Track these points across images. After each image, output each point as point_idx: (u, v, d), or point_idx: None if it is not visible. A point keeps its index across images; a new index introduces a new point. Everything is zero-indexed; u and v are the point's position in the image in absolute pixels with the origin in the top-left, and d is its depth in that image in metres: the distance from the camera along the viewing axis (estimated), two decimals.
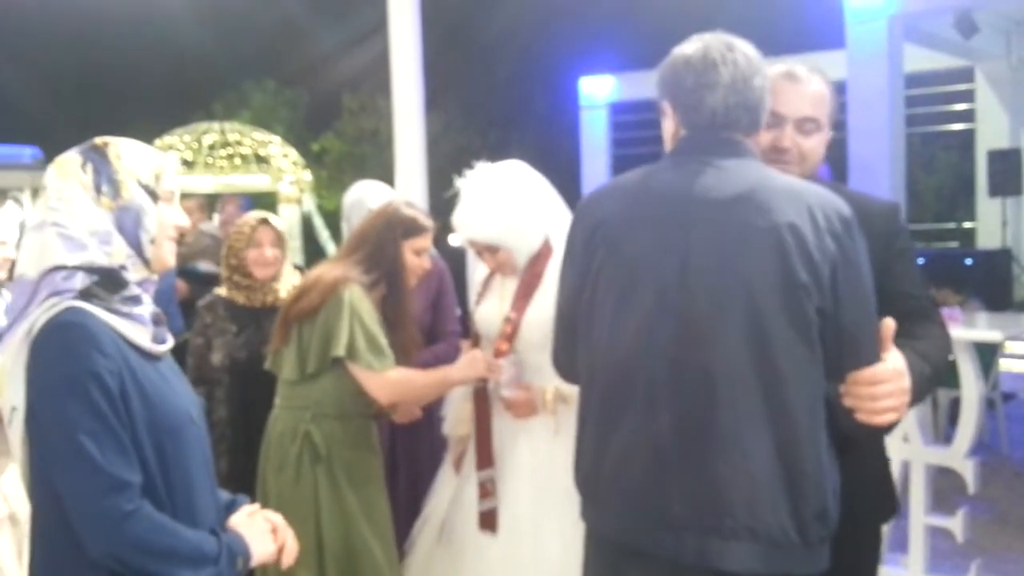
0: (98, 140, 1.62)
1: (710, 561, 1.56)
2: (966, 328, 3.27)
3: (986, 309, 6.07)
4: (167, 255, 1.64)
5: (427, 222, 2.70)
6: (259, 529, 1.66)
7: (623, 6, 14.41)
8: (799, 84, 1.88)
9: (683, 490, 1.57)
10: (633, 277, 1.63)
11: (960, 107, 11.80)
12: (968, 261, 8.40)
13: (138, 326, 1.55)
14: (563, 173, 7.45)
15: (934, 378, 1.79)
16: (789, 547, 1.55)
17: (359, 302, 2.48)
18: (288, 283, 3.19)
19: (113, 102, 18.67)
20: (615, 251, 1.66)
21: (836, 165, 7.54)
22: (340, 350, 2.44)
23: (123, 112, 18.18)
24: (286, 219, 13.87)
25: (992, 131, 10.89)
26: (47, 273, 1.51)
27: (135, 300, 1.56)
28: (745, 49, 1.66)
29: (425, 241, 2.67)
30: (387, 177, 5.02)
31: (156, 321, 1.59)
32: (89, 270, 1.52)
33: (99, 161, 1.58)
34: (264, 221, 3.18)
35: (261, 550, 1.63)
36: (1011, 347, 5.97)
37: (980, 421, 3.39)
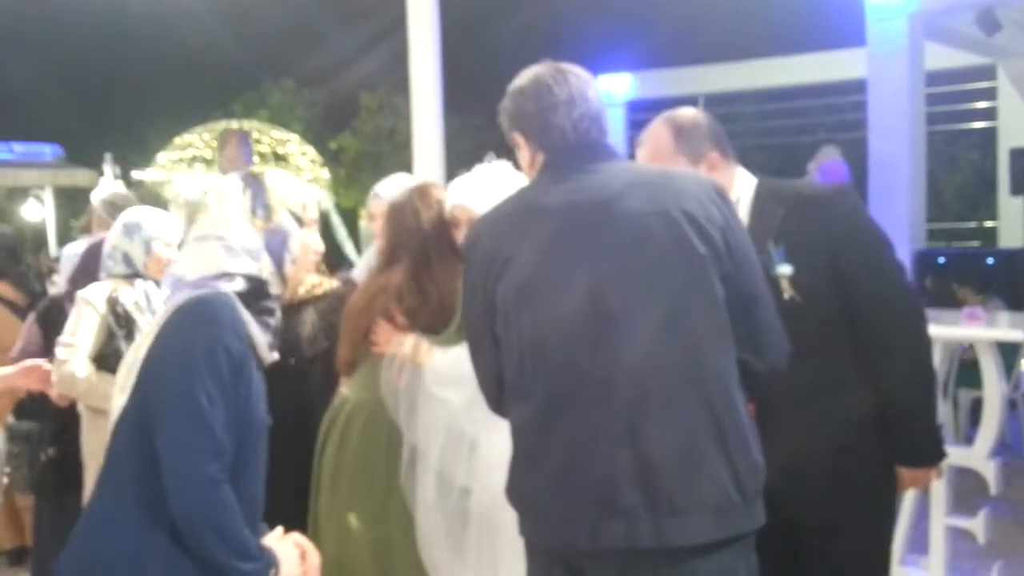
0: (255, 170, 1.87)
1: (667, 540, 1.60)
2: (988, 327, 3.24)
3: (1008, 308, 6.01)
4: (303, 275, 1.87)
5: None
6: (289, 552, 1.72)
7: (640, 4, 14.38)
8: (639, 149, 2.19)
9: (630, 478, 1.61)
10: (544, 292, 1.68)
11: (982, 105, 11.70)
12: (990, 260, 8.33)
13: (264, 333, 1.73)
14: None
15: (923, 396, 2.09)
16: (732, 508, 1.63)
17: None
18: (308, 281, 3.20)
19: (133, 101, 18.82)
20: (519, 277, 1.71)
21: (856, 164, 7.51)
22: None
23: (143, 111, 18.33)
24: None
25: (1014, 129, 10.79)
26: (211, 278, 1.68)
27: (270, 311, 1.76)
28: (574, 69, 1.80)
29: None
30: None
31: (275, 333, 1.78)
32: (246, 277, 1.71)
33: (256, 187, 1.79)
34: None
35: (289, 571, 1.68)
36: None
37: (1002, 421, 3.36)
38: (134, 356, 1.67)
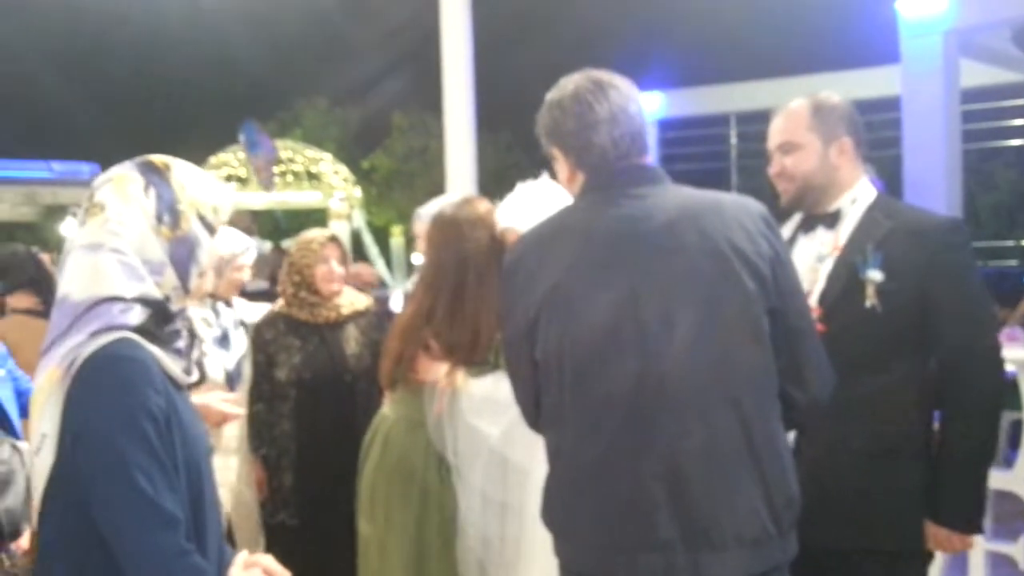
0: (156, 160, 1.58)
1: (704, 574, 1.59)
2: None
3: None
4: (207, 286, 1.62)
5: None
6: None
7: (671, 23, 14.41)
8: (773, 121, 2.22)
9: (668, 509, 1.60)
10: (587, 321, 1.66)
11: (1019, 122, 11.55)
12: None
13: (176, 358, 1.52)
14: None
15: (979, 459, 2.05)
16: (769, 540, 1.62)
17: None
18: (347, 299, 3.25)
19: (169, 120, 19.15)
20: (562, 304, 1.68)
21: (891, 181, 7.44)
22: None
23: (178, 129, 18.63)
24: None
25: None
26: (101, 302, 1.45)
27: (177, 333, 1.54)
28: (615, 82, 1.76)
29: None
30: (435, 194, 5.07)
31: (187, 352, 1.56)
32: (144, 302, 1.48)
33: (162, 187, 1.53)
34: (332, 238, 3.25)
35: None
36: None
37: None
38: (42, 397, 1.47)
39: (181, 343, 1.54)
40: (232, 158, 13.64)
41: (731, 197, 1.76)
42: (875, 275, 2.01)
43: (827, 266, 2.11)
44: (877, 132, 12.20)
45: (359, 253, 13.71)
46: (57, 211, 17.74)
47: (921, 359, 2.04)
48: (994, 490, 3.36)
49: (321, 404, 3.08)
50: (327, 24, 18.41)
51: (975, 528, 2.10)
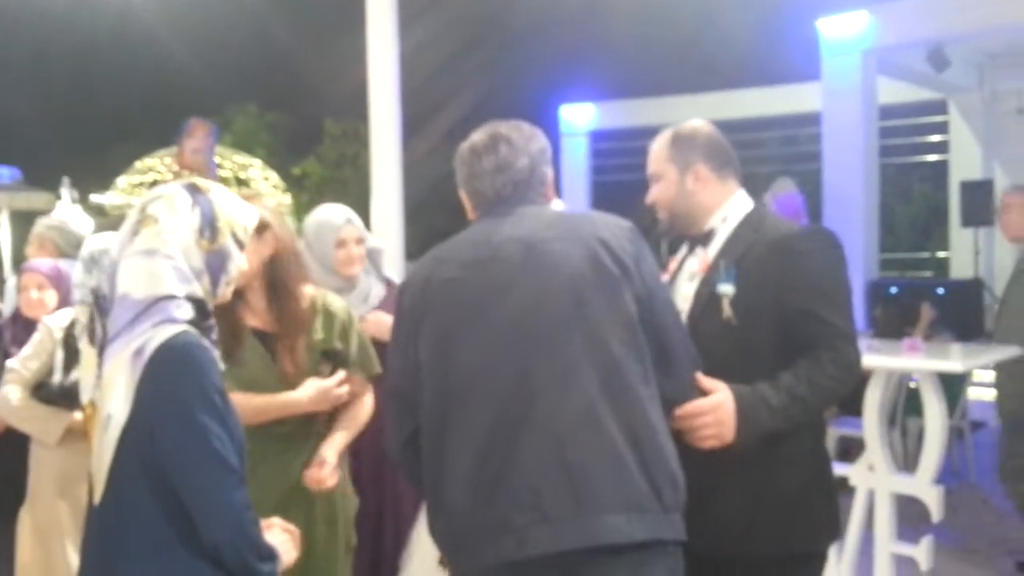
0: (200, 183, 1.83)
1: (595, 539, 1.67)
2: (928, 358, 3.33)
3: (958, 338, 6.14)
4: (229, 293, 1.86)
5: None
6: (282, 539, 1.83)
7: (603, 36, 14.60)
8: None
9: (553, 485, 1.69)
10: (466, 313, 1.81)
11: (934, 139, 11.99)
12: (941, 291, 8.50)
13: (215, 347, 1.76)
14: None
15: (792, 405, 1.99)
16: (652, 512, 1.72)
17: None
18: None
19: (94, 124, 18.65)
20: (443, 305, 1.85)
21: (810, 196, 7.66)
22: None
23: (104, 133, 18.16)
24: None
25: (965, 163, 11.06)
26: (160, 300, 1.68)
27: (213, 327, 1.78)
28: (511, 136, 1.99)
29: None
30: (367, 202, 5.05)
31: (218, 343, 1.81)
32: (192, 300, 1.72)
33: (206, 206, 1.78)
34: None
35: (287, 558, 1.81)
36: (981, 376, 6.05)
37: (945, 449, 3.43)
38: (99, 392, 1.69)
39: (215, 335, 1.78)
40: (159, 163, 13.36)
41: (598, 212, 1.99)
42: (726, 289, 2.08)
43: (695, 284, 2.20)
44: (799, 147, 12.55)
45: None
46: None
47: (782, 369, 2.05)
48: (899, 494, 3.49)
49: None
50: (260, 29, 18.19)
51: (740, 439, 1.98)
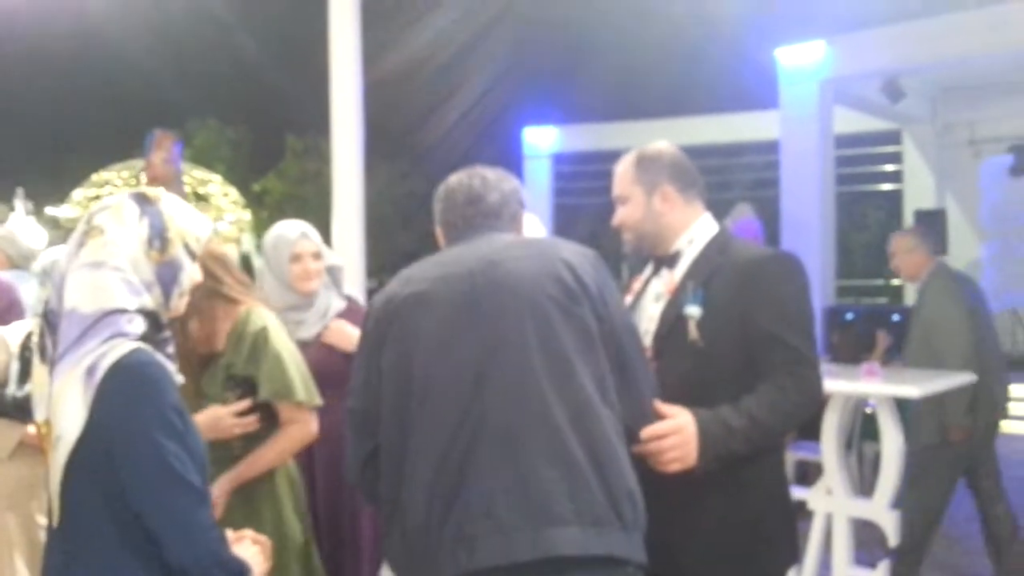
0: (149, 192, 1.78)
1: (549, 550, 1.65)
2: (885, 383, 3.37)
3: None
4: (183, 306, 1.81)
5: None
6: (251, 552, 1.80)
7: (568, 60, 14.74)
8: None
9: (507, 497, 1.69)
10: (428, 325, 1.82)
11: (889, 168, 12.25)
12: (896, 317, 8.64)
13: (170, 361, 1.72)
14: None
15: (753, 428, 2.00)
16: (609, 526, 1.71)
17: None
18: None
19: (50, 134, 18.36)
20: (407, 317, 1.85)
21: (769, 221, 7.76)
22: None
23: (60, 144, 17.89)
24: None
25: (918, 191, 11.32)
26: (108, 314, 1.63)
27: (168, 340, 1.73)
28: (486, 173, 2.07)
29: None
30: (328, 219, 5.02)
31: (175, 356, 1.77)
32: (144, 313, 1.67)
33: (154, 216, 1.73)
34: None
35: (258, 570, 1.78)
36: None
37: (901, 474, 3.47)
38: (53, 400, 1.63)
39: (171, 348, 1.73)
40: (115, 176, 13.16)
41: (562, 240, 2.01)
42: (693, 311, 2.09)
43: (661, 305, 2.20)
44: (757, 173, 12.73)
45: (249, 276, 13.41)
46: None
47: (747, 392, 2.05)
48: (856, 518, 3.52)
49: None
50: (222, 42, 18.07)
51: (703, 462, 1.98)
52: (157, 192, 1.79)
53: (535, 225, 2.60)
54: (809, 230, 8.94)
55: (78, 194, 13.05)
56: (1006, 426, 4.48)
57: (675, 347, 2.11)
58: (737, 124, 12.01)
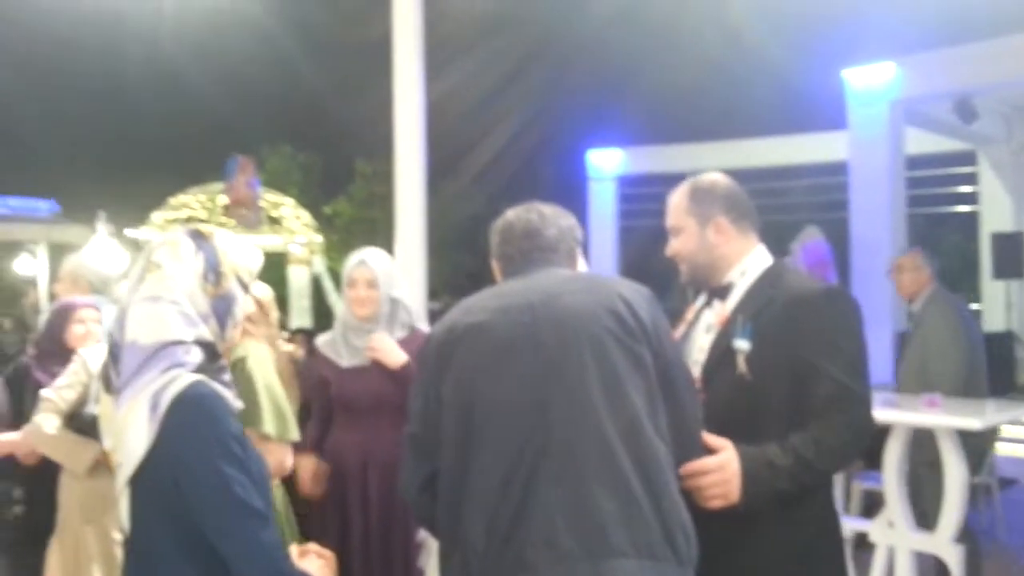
0: (203, 229, 1.88)
1: None
2: (946, 415, 3.29)
3: (988, 392, 6.04)
4: (238, 336, 1.90)
5: None
6: (316, 565, 1.86)
7: (632, 83, 14.74)
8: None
9: (572, 524, 1.71)
10: (489, 355, 1.86)
11: (964, 189, 11.92)
12: None
13: (227, 389, 1.79)
14: None
15: (799, 467, 1.98)
16: (665, 561, 1.72)
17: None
18: (278, 350, 3.25)
19: (131, 160, 19.06)
20: (468, 346, 1.89)
21: (839, 245, 7.63)
22: None
23: (140, 169, 18.56)
24: (295, 280, 14.01)
25: (996, 214, 10.97)
26: (167, 345, 1.71)
27: (224, 368, 1.81)
28: (544, 209, 2.12)
29: None
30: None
31: (231, 384, 1.84)
32: (201, 344, 1.75)
33: (209, 251, 1.82)
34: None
35: None
36: (1012, 432, 5.94)
37: (965, 506, 3.38)
38: (117, 428, 1.72)
39: (227, 376, 1.80)
40: (192, 200, 13.60)
41: (619, 278, 2.04)
42: (742, 344, 2.08)
43: (711, 336, 2.20)
44: (827, 195, 12.55)
45: (319, 298, 13.68)
46: (12, 247, 17.50)
47: (796, 427, 2.03)
48: (920, 552, 3.44)
49: None
50: (294, 70, 18.56)
51: (746, 500, 1.98)
52: (210, 229, 1.88)
53: (581, 266, 2.62)
54: (880, 253, 8.72)
55: (157, 216, 13.51)
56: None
57: (723, 379, 2.11)
58: (805, 145, 11.85)
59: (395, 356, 2.99)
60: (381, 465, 2.90)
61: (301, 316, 13.33)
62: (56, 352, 3.29)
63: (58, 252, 15.62)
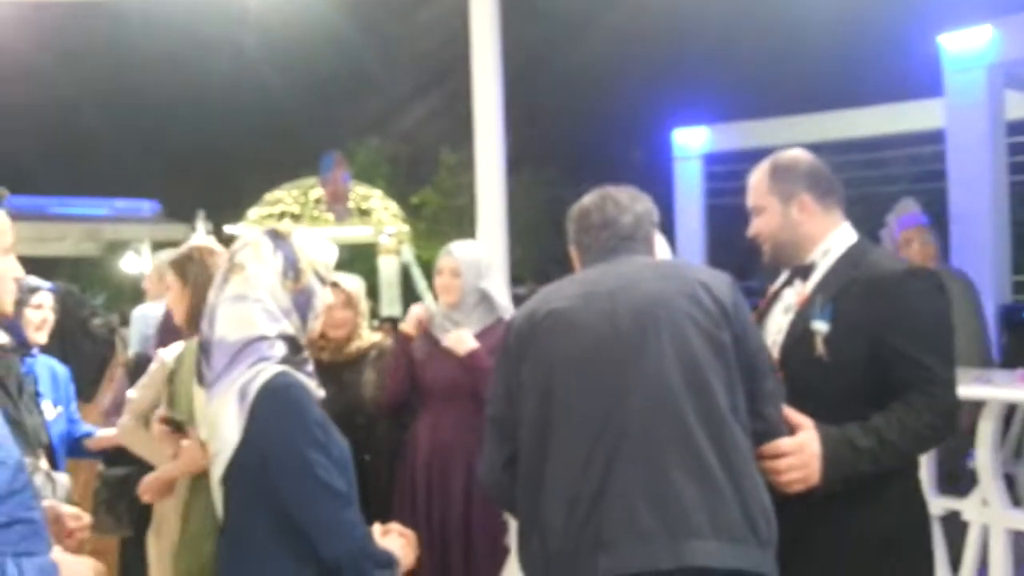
0: (280, 229, 2.01)
1: (687, 561, 1.70)
2: None
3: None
4: (319, 327, 2.01)
5: None
6: (397, 544, 1.95)
7: (716, 58, 14.47)
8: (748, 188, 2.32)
9: (652, 505, 1.75)
10: (569, 339, 1.90)
11: None
12: None
13: (310, 379, 1.91)
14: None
15: (882, 449, 1.95)
16: (746, 543, 1.74)
17: None
18: (366, 340, 3.36)
19: (226, 160, 19.75)
20: (548, 331, 1.93)
21: (938, 215, 7.36)
22: None
23: (236, 168, 19.21)
24: (385, 270, 14.30)
25: None
26: (252, 341, 1.83)
27: (307, 361, 1.92)
28: (619, 196, 2.12)
29: None
30: None
31: (315, 374, 1.95)
32: (283, 338, 1.87)
33: (287, 250, 1.94)
34: (334, 284, 3.36)
35: (406, 560, 1.94)
36: None
37: None
38: (210, 419, 1.85)
39: (310, 367, 1.92)
40: (286, 195, 14.00)
41: (697, 264, 2.10)
42: (820, 326, 2.05)
43: (790, 317, 2.17)
44: (925, 165, 12.06)
45: (408, 287, 13.94)
46: (118, 247, 18.36)
47: (875, 409, 2.00)
48: (1014, 531, 3.33)
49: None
50: (381, 65, 18.89)
51: (826, 482, 1.95)
52: (287, 228, 2.01)
53: (662, 246, 2.63)
54: (980, 223, 8.39)
55: (253, 212, 13.95)
56: None
57: (800, 360, 2.09)
58: (899, 114, 11.42)
59: (464, 344, 3.07)
60: (456, 449, 2.99)
61: (391, 304, 13.61)
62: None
63: (161, 250, 16.34)
